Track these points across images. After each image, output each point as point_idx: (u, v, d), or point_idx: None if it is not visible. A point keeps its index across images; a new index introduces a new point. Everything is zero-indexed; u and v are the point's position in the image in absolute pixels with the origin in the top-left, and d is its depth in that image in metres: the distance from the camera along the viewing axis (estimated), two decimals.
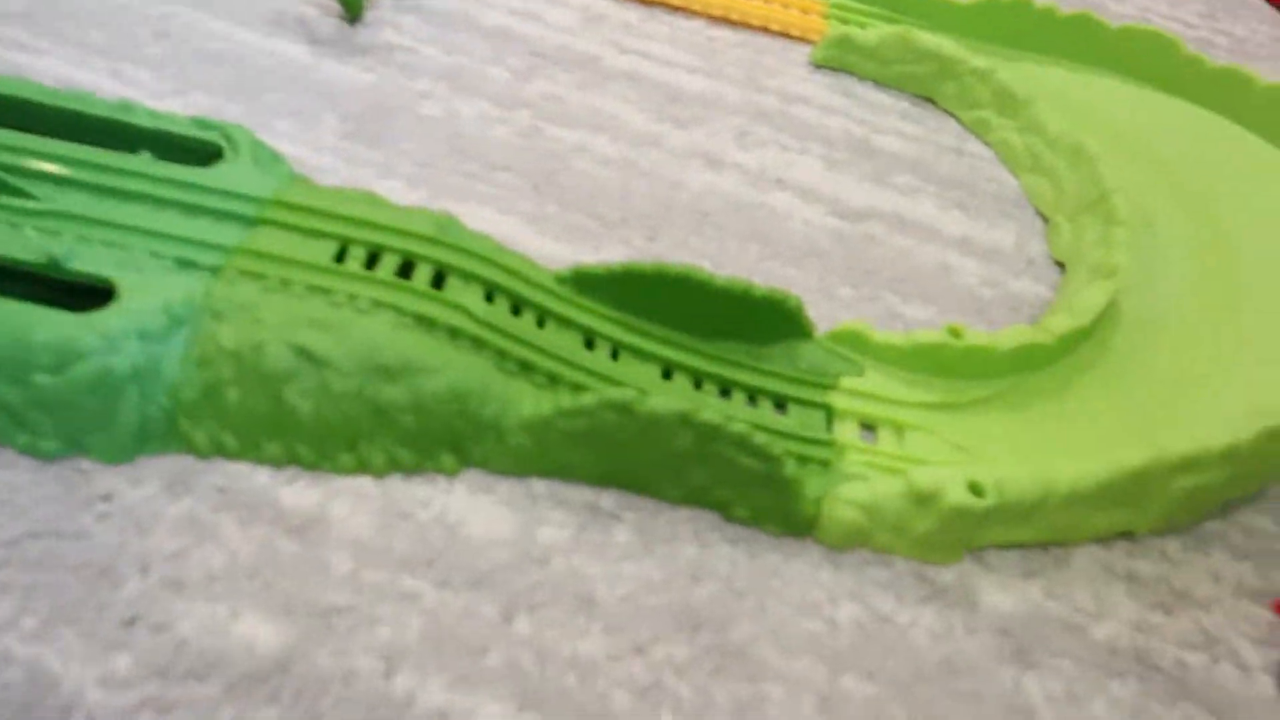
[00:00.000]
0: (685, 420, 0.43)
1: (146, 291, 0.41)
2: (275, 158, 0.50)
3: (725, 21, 0.84)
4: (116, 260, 0.42)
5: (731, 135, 0.71)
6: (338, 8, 0.71)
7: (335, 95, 0.64)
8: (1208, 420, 0.52)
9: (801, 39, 0.84)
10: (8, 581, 0.36)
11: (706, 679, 0.39)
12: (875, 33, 0.80)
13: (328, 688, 0.36)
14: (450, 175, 0.60)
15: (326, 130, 0.60)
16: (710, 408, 0.44)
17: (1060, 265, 0.66)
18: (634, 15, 0.81)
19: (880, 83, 0.81)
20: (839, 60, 0.81)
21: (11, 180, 0.44)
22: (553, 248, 0.57)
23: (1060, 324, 0.55)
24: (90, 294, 0.41)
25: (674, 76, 0.75)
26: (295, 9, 0.71)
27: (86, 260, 0.42)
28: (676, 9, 0.83)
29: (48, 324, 0.39)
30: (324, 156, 0.58)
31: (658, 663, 0.39)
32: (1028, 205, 0.72)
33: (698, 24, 0.83)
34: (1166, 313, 0.61)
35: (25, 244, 0.42)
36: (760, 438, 0.43)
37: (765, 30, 0.84)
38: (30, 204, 0.44)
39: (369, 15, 0.71)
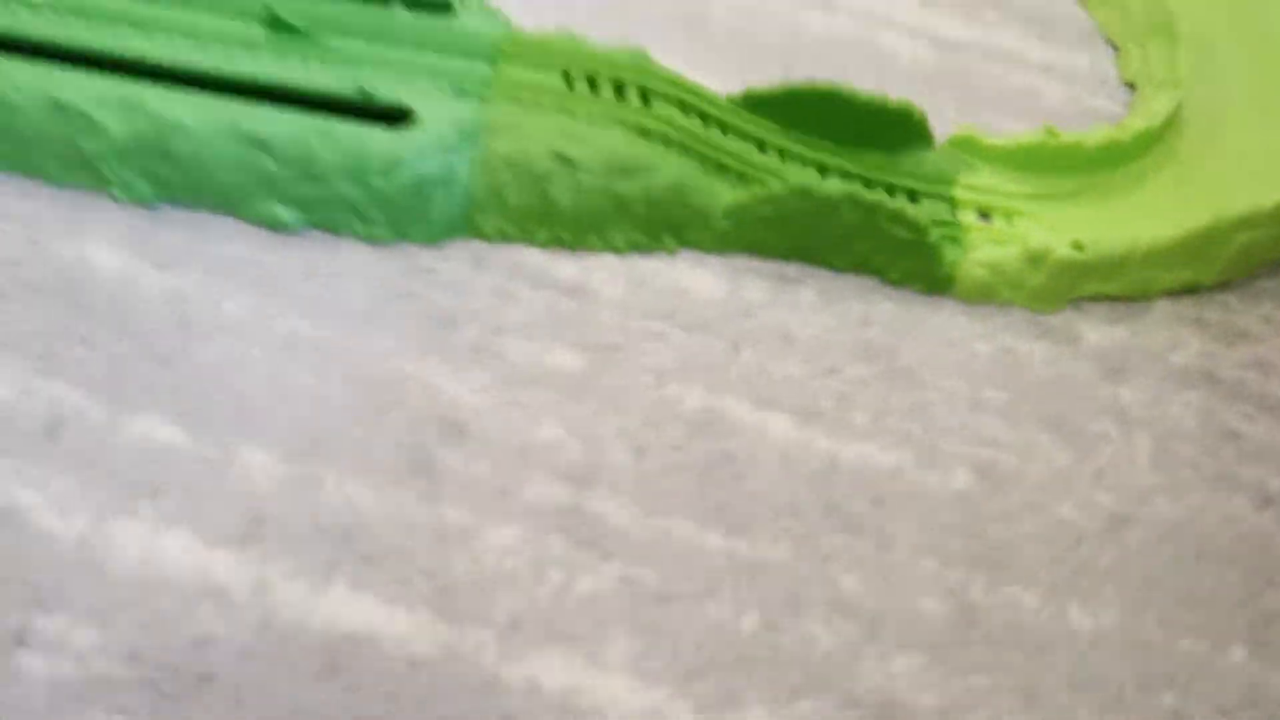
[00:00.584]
0: (853, 200, 0.55)
1: (438, 114, 0.53)
2: (494, 9, 0.61)
3: None
4: (406, 89, 0.54)
5: None
6: None
7: None
8: (1262, 196, 0.63)
9: None
10: (386, 326, 0.49)
11: (885, 390, 0.53)
12: None
13: (620, 395, 0.49)
14: (616, 25, 0.70)
15: None
16: (868, 192, 0.56)
17: (1131, 86, 0.77)
18: None
19: None
20: None
21: (309, 33, 0.55)
22: (705, 81, 0.68)
23: (1135, 124, 0.66)
24: (383, 118, 0.53)
25: None
26: None
27: (384, 91, 0.53)
28: None
29: (376, 138, 0.51)
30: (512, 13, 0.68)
31: (847, 379, 0.53)
32: (1099, 35, 0.82)
33: None
34: (1226, 123, 0.72)
35: (338, 79, 0.53)
36: (911, 212, 0.56)
37: None
38: (325, 51, 0.55)
39: None
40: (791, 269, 0.58)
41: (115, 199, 0.52)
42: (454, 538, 0.43)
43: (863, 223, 0.56)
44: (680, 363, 0.51)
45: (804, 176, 0.59)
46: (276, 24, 0.55)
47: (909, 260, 0.58)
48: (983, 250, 0.58)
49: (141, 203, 0.52)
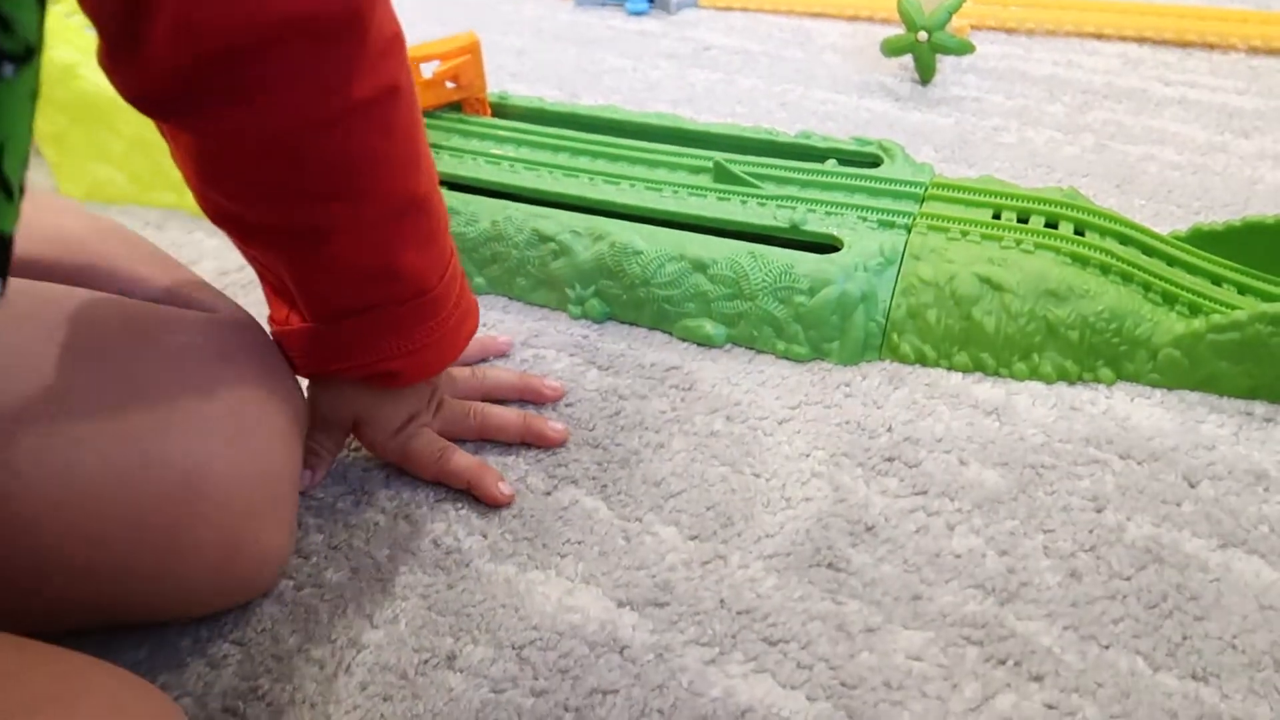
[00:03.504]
0: None
1: (864, 241, 0.55)
2: (921, 163, 0.63)
3: (1266, 51, 0.87)
4: (835, 224, 0.57)
5: None
6: (911, 74, 0.85)
7: (926, 134, 0.77)
8: None
9: None
10: (800, 429, 0.50)
11: None
12: None
13: (1048, 515, 0.44)
14: (1040, 182, 0.70)
15: (926, 158, 0.73)
16: None
17: None
18: (1171, 56, 0.88)
19: None
20: None
21: (750, 180, 0.61)
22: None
23: None
24: (815, 249, 0.56)
25: (1225, 99, 0.80)
26: (878, 78, 0.86)
27: (814, 225, 0.57)
28: (1213, 46, 0.88)
29: (805, 261, 0.54)
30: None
31: None
32: None
33: (1236, 55, 0.87)
34: None
35: (773, 216, 0.58)
36: None
37: None
38: (762, 193, 0.60)
39: (936, 79, 0.85)
40: (1258, 406, 0.50)
41: (572, 316, 0.59)
42: (858, 634, 0.40)
43: None
44: (1122, 491, 0.46)
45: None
46: (723, 175, 0.62)
47: None
48: None
49: (592, 319, 0.58)
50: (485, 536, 0.45)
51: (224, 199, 0.40)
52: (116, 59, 0.35)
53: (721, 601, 0.42)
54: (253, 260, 0.44)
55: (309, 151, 0.38)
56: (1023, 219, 0.57)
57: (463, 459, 0.47)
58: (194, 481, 0.37)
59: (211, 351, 0.40)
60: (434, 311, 0.44)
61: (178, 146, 0.39)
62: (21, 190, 0.23)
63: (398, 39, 0.39)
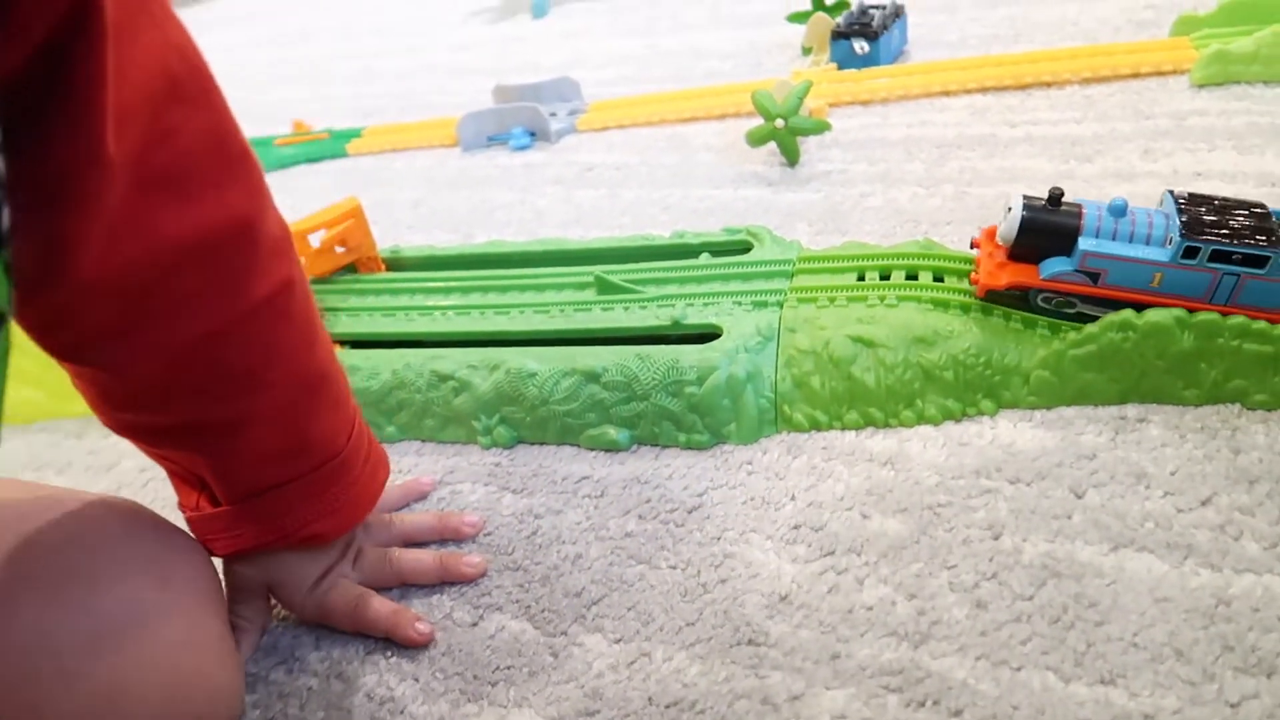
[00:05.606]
0: (1182, 323, 0.51)
1: (741, 324, 0.58)
2: (789, 241, 0.67)
3: (1096, 80, 0.93)
4: (713, 313, 0.60)
5: (1136, 155, 0.79)
6: (780, 159, 0.90)
7: (799, 211, 0.81)
8: None
9: (1175, 72, 0.91)
10: (709, 514, 0.51)
11: (1278, 516, 0.45)
12: (1250, 39, 0.86)
13: (952, 550, 0.46)
14: (907, 237, 0.73)
15: (801, 234, 0.77)
16: (1201, 314, 0.51)
17: None
18: (1013, 99, 0.94)
19: (1271, 81, 0.85)
20: (1221, 74, 0.87)
21: (630, 287, 0.64)
22: None
23: None
24: (699, 340, 0.58)
25: (1066, 130, 0.86)
26: (750, 168, 0.91)
27: (694, 317, 0.60)
28: (1050, 84, 0.95)
29: (689, 353, 0.56)
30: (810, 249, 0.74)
31: (1225, 508, 0.46)
32: None
33: (1072, 89, 0.93)
34: None
35: (655, 316, 0.60)
36: (1260, 324, 0.50)
37: (1136, 76, 0.93)
38: (644, 296, 0.63)
39: (803, 159, 0.90)
40: (1130, 409, 0.53)
41: (483, 446, 0.61)
42: (783, 703, 0.41)
43: (1203, 345, 0.51)
44: (1015, 514, 0.48)
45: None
46: (605, 286, 0.65)
47: (1273, 377, 0.50)
48: None
49: (502, 446, 0.60)
50: (417, 680, 0.46)
51: (132, 415, 0.42)
52: (26, 304, 0.35)
53: (650, 699, 0.43)
54: (160, 458, 0.46)
55: (215, 356, 0.40)
56: (885, 276, 0.60)
57: (378, 606, 0.48)
58: (130, 625, 0.39)
59: (117, 513, 0.43)
60: (346, 471, 0.46)
61: (79, 377, 0.41)
62: None
63: (285, 236, 0.42)
